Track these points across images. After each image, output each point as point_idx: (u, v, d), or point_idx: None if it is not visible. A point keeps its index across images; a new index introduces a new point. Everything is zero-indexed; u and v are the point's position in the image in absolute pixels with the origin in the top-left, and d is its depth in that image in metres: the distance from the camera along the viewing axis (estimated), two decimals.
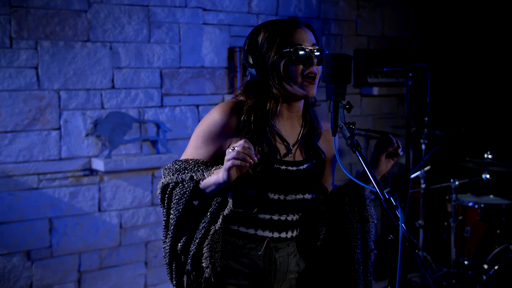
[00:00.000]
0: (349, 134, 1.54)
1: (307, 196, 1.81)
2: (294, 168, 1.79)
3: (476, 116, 4.61)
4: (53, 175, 3.25)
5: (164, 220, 1.80)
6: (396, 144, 1.77)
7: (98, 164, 3.29)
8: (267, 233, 1.78)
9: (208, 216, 1.73)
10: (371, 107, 4.67)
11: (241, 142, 1.57)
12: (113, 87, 3.41)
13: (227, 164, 1.58)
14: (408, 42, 4.88)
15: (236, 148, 1.56)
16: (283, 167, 1.77)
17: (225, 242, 1.77)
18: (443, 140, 4.32)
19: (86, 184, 3.36)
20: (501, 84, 4.49)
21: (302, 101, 1.83)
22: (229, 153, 1.57)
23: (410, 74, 3.37)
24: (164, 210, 1.78)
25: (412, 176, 3.88)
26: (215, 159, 1.77)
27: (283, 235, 1.81)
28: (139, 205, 3.55)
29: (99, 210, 3.41)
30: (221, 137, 1.74)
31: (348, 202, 1.86)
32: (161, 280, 3.66)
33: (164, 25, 3.55)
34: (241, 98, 1.80)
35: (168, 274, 1.85)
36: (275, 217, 1.78)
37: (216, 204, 1.73)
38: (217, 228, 1.72)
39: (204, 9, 3.70)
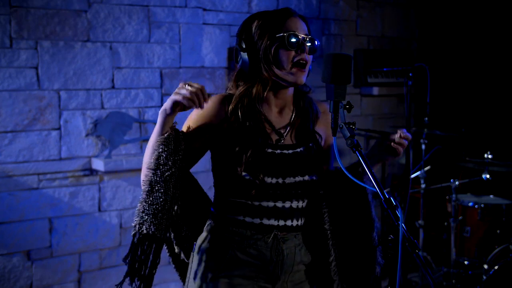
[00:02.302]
0: (349, 134, 1.54)
1: (307, 177, 1.80)
2: (290, 151, 1.80)
3: (476, 116, 4.61)
4: (53, 175, 3.25)
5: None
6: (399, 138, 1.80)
7: (98, 164, 3.29)
8: (273, 221, 1.78)
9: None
10: (371, 107, 4.67)
11: (198, 85, 1.62)
12: (113, 87, 3.41)
13: (176, 96, 1.61)
14: (408, 42, 4.88)
15: (191, 88, 1.61)
16: (278, 151, 1.78)
17: (232, 233, 1.78)
18: (443, 140, 4.32)
19: (86, 184, 3.36)
20: (501, 84, 4.49)
21: (291, 89, 1.84)
22: (183, 89, 1.61)
23: (410, 74, 3.37)
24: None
25: (412, 176, 3.88)
26: (202, 145, 1.79)
27: (289, 223, 1.81)
28: None
29: (99, 210, 3.41)
30: (208, 122, 1.76)
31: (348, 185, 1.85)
32: (161, 280, 3.66)
33: (164, 25, 3.55)
34: (231, 91, 1.83)
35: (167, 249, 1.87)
36: (279, 204, 1.79)
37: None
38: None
39: (204, 9, 3.71)
